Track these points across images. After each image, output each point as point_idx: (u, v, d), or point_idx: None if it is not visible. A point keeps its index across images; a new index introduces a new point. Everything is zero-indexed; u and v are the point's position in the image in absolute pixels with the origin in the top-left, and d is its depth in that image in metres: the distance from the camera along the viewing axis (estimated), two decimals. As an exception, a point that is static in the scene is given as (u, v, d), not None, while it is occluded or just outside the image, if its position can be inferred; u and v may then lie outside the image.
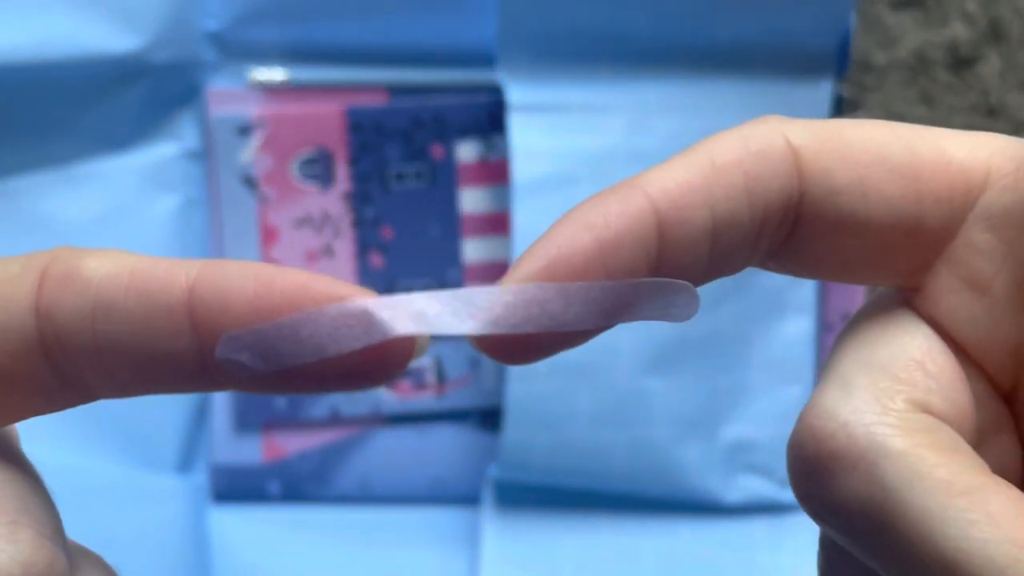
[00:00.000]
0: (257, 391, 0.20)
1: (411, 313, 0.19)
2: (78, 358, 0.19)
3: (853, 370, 0.20)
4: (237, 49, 0.58)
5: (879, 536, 0.19)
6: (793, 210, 0.21)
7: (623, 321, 0.20)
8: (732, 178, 0.20)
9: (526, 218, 0.56)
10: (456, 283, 0.60)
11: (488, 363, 0.60)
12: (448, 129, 0.59)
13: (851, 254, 0.21)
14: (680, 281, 0.20)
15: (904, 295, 0.21)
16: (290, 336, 0.19)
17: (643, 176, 0.21)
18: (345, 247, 0.60)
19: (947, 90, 0.60)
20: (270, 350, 0.19)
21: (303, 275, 0.19)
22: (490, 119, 0.59)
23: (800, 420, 0.20)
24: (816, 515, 0.20)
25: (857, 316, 0.22)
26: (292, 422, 0.60)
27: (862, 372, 0.20)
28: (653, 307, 0.20)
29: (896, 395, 0.19)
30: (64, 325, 0.19)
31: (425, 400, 0.60)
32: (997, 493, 0.18)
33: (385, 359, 0.20)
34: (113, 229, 0.58)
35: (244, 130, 0.58)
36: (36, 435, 0.65)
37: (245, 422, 0.60)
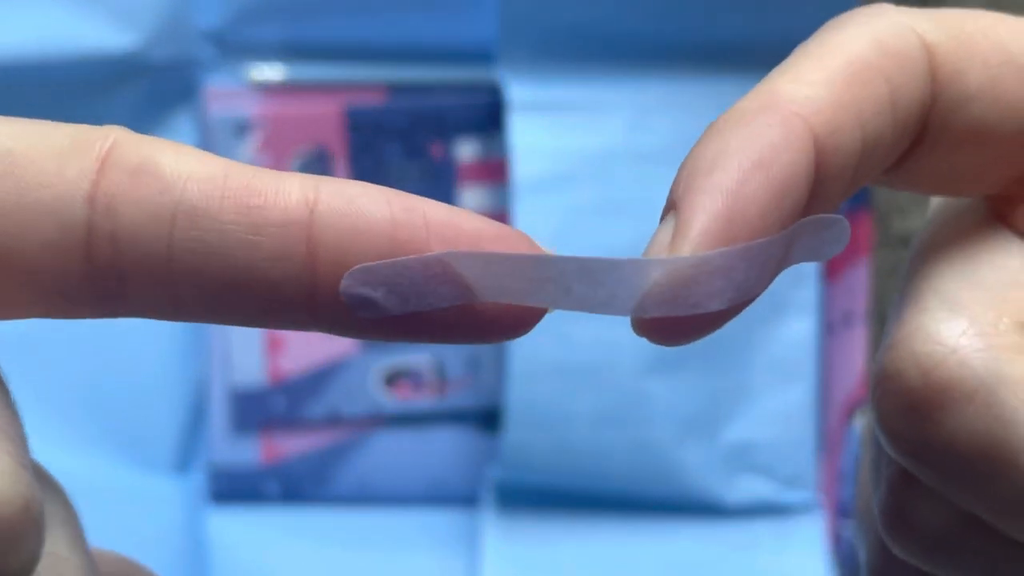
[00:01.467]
0: (372, 335, 0.17)
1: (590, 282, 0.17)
2: (135, 267, 0.16)
3: (956, 289, 0.18)
4: (235, 47, 0.58)
5: (994, 477, 0.17)
6: (924, 118, 0.18)
7: (789, 264, 0.18)
8: (878, 90, 0.18)
9: (526, 217, 0.56)
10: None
11: (488, 363, 0.60)
12: (447, 128, 0.59)
13: (970, 165, 0.19)
14: (834, 215, 0.18)
15: (995, 208, 0.19)
16: (440, 275, 0.17)
17: (785, 89, 0.18)
18: (344, 247, 0.59)
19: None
20: (413, 289, 0.17)
21: (449, 209, 0.17)
22: (490, 118, 0.59)
23: (896, 347, 0.17)
24: (914, 455, 0.17)
25: (940, 231, 0.19)
26: (291, 423, 0.60)
27: (966, 291, 0.18)
28: (807, 249, 0.18)
29: (1003, 316, 0.17)
30: (129, 225, 0.16)
31: (425, 401, 0.60)
32: None
33: (525, 310, 0.17)
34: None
35: (242, 129, 0.58)
36: (34, 435, 0.65)
37: (243, 423, 0.60)
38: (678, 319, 0.17)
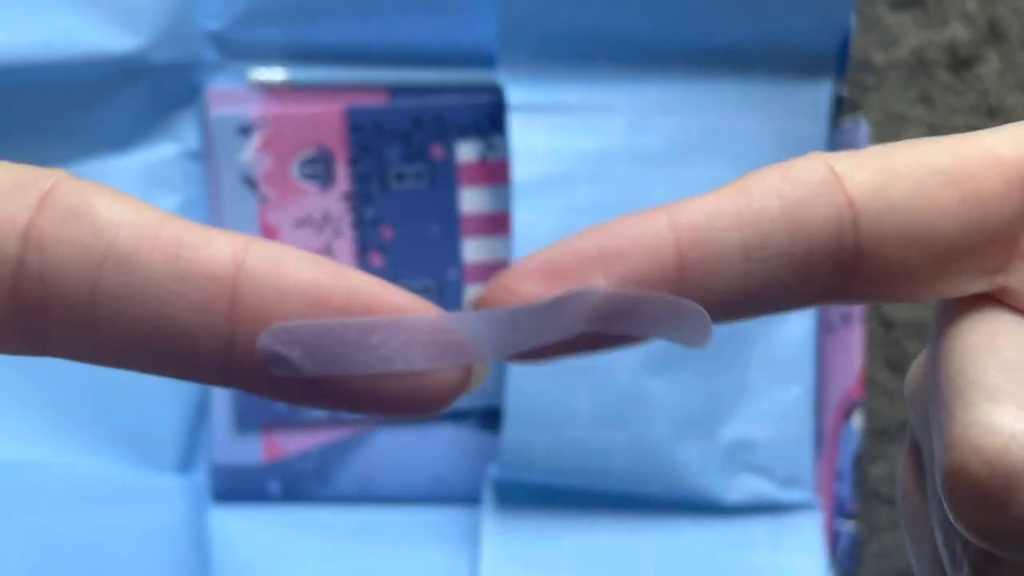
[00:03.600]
0: (278, 396, 0.17)
1: (499, 337, 0.18)
2: (59, 307, 0.17)
3: (993, 377, 0.18)
4: (237, 49, 0.58)
5: None
6: (851, 239, 0.19)
7: (634, 333, 0.19)
8: (766, 202, 0.19)
9: (526, 218, 0.56)
10: (456, 283, 0.60)
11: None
12: (448, 129, 0.59)
13: (924, 270, 0.20)
14: (689, 304, 0.19)
15: (992, 297, 0.20)
16: (355, 339, 0.17)
17: (672, 203, 0.19)
18: (345, 247, 0.60)
19: (947, 90, 0.60)
20: (327, 351, 0.17)
21: (374, 281, 0.17)
22: (490, 119, 0.59)
23: (956, 445, 0.18)
24: (995, 539, 0.18)
25: (949, 326, 0.20)
26: (292, 422, 0.60)
27: (1003, 377, 0.18)
28: (672, 328, 0.19)
29: None
30: (57, 264, 0.16)
31: (425, 400, 0.60)
32: None
33: (445, 385, 0.18)
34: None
35: (244, 130, 0.58)
36: (36, 435, 0.65)
37: (245, 422, 0.60)
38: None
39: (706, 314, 0.19)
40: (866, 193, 0.19)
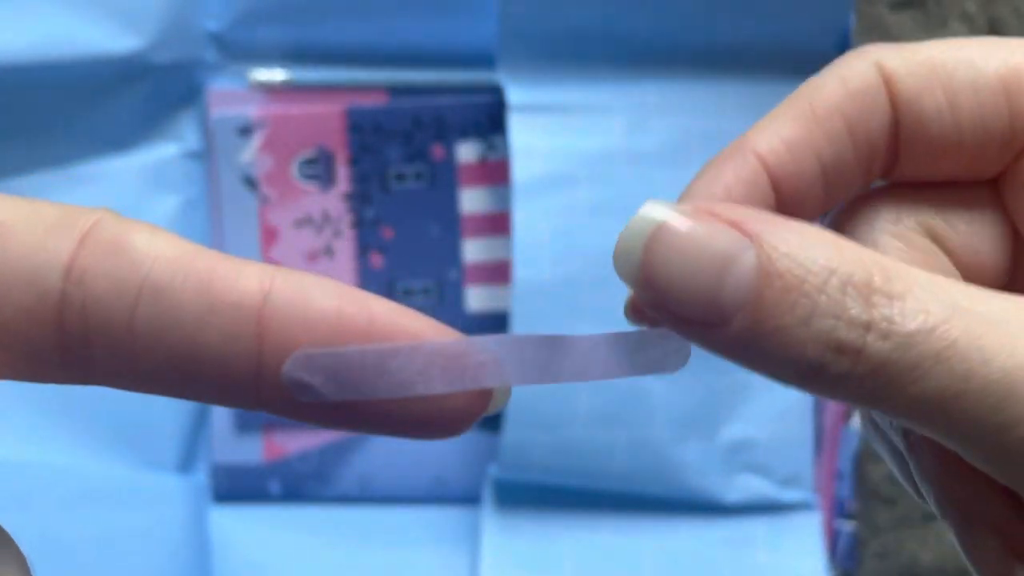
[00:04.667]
0: (307, 419, 0.18)
1: (518, 361, 0.18)
2: (100, 336, 0.17)
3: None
4: (238, 50, 0.58)
5: None
6: (894, 137, 0.22)
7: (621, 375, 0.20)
8: (833, 124, 0.22)
9: (526, 218, 0.56)
10: (456, 283, 0.60)
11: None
12: (448, 129, 0.59)
13: (947, 167, 0.22)
14: (667, 332, 0.20)
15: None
16: (375, 365, 0.17)
17: (750, 135, 0.22)
18: (345, 247, 0.60)
19: (946, 90, 0.60)
20: (348, 377, 0.17)
21: (395, 307, 0.18)
22: (490, 119, 0.59)
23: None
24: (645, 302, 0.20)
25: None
26: (292, 422, 0.60)
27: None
28: (651, 360, 0.20)
29: None
30: (98, 297, 0.17)
31: (425, 400, 0.60)
32: None
33: (463, 408, 0.18)
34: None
35: (245, 130, 0.59)
36: (37, 435, 0.65)
37: (246, 422, 0.60)
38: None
39: (685, 342, 0.20)
40: (906, 102, 0.22)
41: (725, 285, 0.18)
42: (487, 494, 0.59)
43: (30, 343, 0.18)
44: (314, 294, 0.18)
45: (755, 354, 0.19)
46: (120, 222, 0.18)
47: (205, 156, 0.59)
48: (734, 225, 0.19)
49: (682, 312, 0.19)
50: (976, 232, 0.23)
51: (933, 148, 0.22)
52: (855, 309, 0.18)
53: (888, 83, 0.22)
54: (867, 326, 0.18)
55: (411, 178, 0.60)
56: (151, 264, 0.18)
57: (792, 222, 0.19)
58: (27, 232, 0.18)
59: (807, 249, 0.18)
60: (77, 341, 0.18)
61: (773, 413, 0.59)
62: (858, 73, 0.22)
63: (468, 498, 0.60)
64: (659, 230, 0.19)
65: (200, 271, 0.18)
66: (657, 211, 0.19)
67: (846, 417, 0.60)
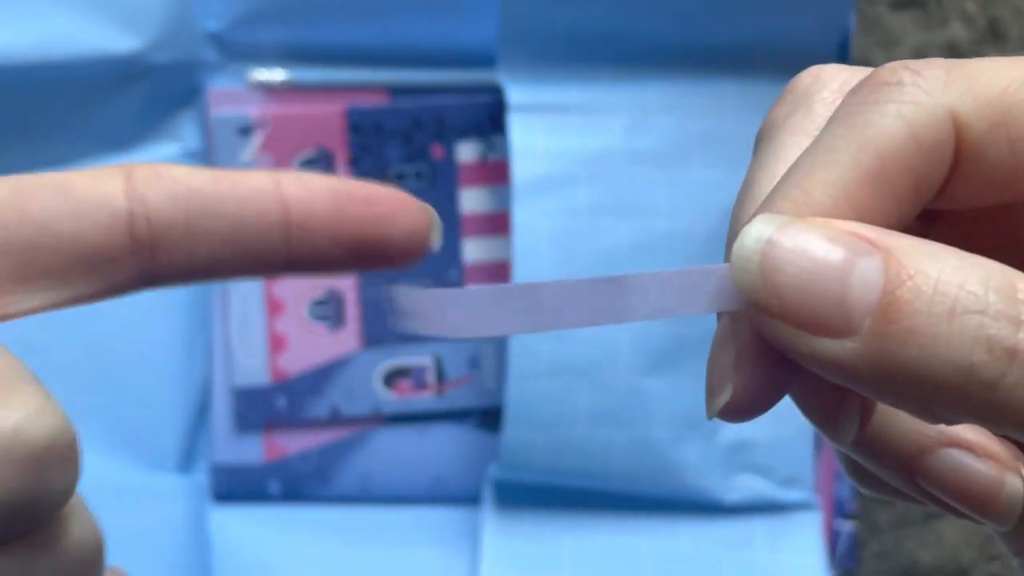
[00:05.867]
0: (324, 270, 0.24)
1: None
2: (165, 238, 0.22)
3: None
4: (238, 50, 0.59)
5: None
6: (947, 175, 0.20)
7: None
8: (904, 185, 0.19)
9: (526, 218, 0.56)
10: (456, 283, 0.60)
11: (488, 363, 0.60)
12: (448, 129, 0.59)
13: (1006, 190, 0.20)
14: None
15: None
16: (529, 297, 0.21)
17: (802, 182, 0.20)
18: (345, 247, 0.60)
19: (946, 90, 0.60)
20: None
21: (371, 187, 0.25)
22: (490, 119, 0.59)
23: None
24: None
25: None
26: (292, 422, 0.60)
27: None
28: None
29: None
30: (159, 207, 0.22)
31: (425, 400, 0.60)
32: None
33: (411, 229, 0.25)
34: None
35: (245, 130, 0.59)
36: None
37: (246, 422, 0.60)
38: None
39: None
40: (971, 149, 0.20)
41: (851, 287, 0.18)
42: (487, 494, 0.59)
43: (110, 256, 0.22)
44: (310, 176, 0.24)
45: (888, 362, 0.18)
46: (149, 163, 0.23)
47: (205, 156, 0.59)
48: (851, 235, 0.18)
49: (805, 320, 0.18)
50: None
51: (981, 189, 0.20)
52: (1001, 304, 0.17)
53: (958, 132, 0.20)
54: (1019, 323, 0.17)
55: (411, 178, 0.60)
56: (190, 179, 0.23)
57: (905, 235, 0.18)
58: (83, 177, 0.23)
59: (934, 253, 0.17)
60: (147, 247, 0.22)
61: (773, 413, 0.58)
62: (931, 128, 0.19)
63: (468, 498, 0.60)
64: (778, 233, 0.18)
65: (226, 176, 0.23)
66: (772, 220, 0.19)
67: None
